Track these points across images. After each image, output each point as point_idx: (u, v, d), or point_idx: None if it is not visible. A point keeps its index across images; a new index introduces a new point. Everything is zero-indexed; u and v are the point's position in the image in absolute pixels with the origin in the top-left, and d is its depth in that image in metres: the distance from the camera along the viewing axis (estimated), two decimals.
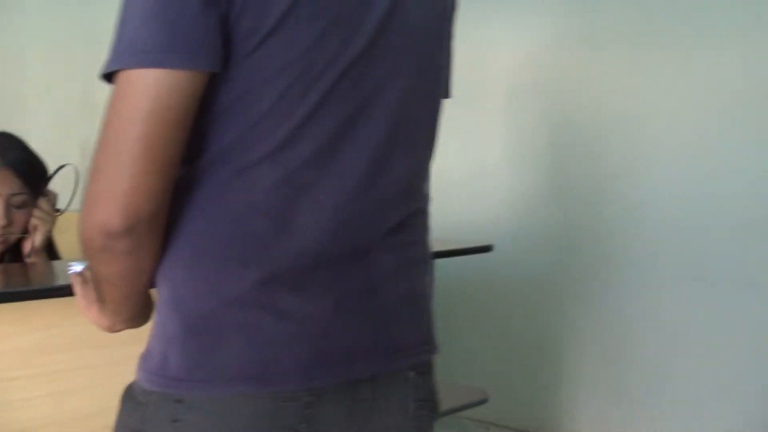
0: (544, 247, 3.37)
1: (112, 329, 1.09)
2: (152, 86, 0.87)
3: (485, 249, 2.31)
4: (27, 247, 1.97)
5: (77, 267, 1.13)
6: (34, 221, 1.97)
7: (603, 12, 3.17)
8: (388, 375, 1.05)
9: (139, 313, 1.07)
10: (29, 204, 1.97)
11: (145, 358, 1.01)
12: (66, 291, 1.14)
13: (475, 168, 3.60)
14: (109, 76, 0.90)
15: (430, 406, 1.13)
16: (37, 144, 2.10)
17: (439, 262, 2.49)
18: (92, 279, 1.04)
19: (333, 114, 0.96)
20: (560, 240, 3.35)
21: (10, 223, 1.94)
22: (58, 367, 1.53)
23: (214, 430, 0.95)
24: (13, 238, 1.97)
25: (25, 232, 1.98)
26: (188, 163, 0.96)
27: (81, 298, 1.09)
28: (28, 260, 1.97)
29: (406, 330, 1.08)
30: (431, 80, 1.11)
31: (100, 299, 1.05)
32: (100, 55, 0.94)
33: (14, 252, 2.00)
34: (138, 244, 0.93)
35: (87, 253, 0.96)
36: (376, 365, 1.03)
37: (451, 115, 3.54)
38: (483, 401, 2.55)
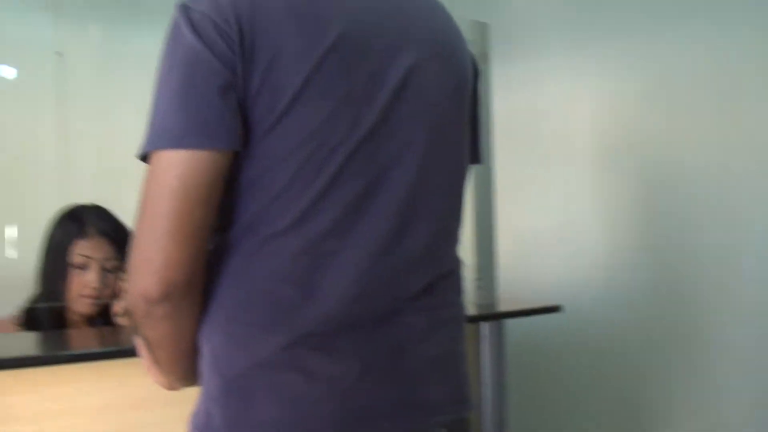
0: (634, 307, 3.29)
1: (172, 387, 1.18)
2: (177, 165, 0.96)
3: (553, 309, 2.32)
4: (117, 308, 2.10)
5: None
6: (123, 285, 2.10)
7: (689, 66, 3.13)
8: None
9: (190, 373, 1.14)
10: (120, 269, 2.12)
11: (194, 415, 1.09)
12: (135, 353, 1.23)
13: (562, 227, 3.57)
14: (145, 158, 1.00)
15: None
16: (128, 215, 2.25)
17: (522, 321, 2.55)
18: (144, 342, 1.12)
19: (350, 186, 1.02)
20: (649, 301, 3.26)
21: (103, 285, 2.09)
22: (128, 424, 1.64)
23: None
24: (104, 300, 2.11)
25: (115, 295, 2.11)
26: (221, 234, 1.04)
27: (144, 360, 1.18)
28: (118, 321, 2.10)
29: (436, 389, 1.12)
30: (450, 149, 1.16)
31: (155, 360, 1.13)
32: None
33: (105, 314, 2.13)
34: (175, 310, 1.02)
35: (135, 318, 1.05)
36: (404, 423, 1.07)
37: (538, 174, 3.57)
38: None
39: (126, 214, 2.20)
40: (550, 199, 3.54)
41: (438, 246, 1.14)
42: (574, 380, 3.48)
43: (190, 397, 1.15)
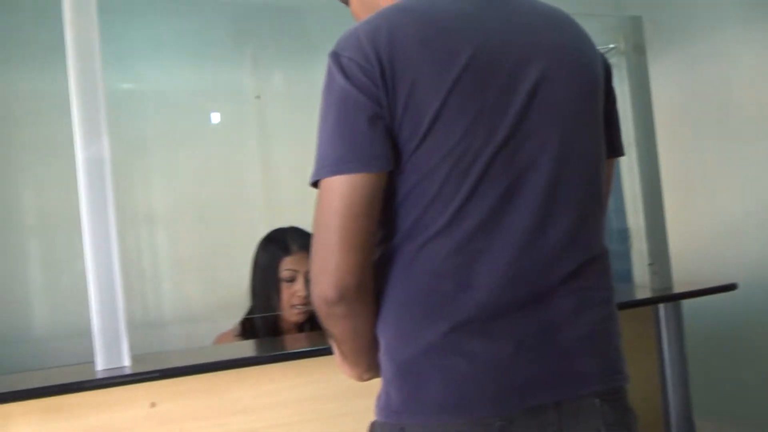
0: None
1: (361, 379, 1.38)
2: (339, 189, 1.15)
3: (729, 288, 2.35)
4: None
5: None
6: None
7: None
8: (571, 402, 1.21)
9: (374, 365, 1.33)
10: None
11: (377, 398, 1.28)
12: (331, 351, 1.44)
13: (760, 208, 3.52)
14: (316, 185, 1.21)
15: (622, 430, 1.26)
16: None
17: (708, 305, 2.58)
18: (332, 339, 1.33)
19: (492, 189, 1.18)
20: None
21: (309, 293, 2.36)
22: (328, 414, 1.88)
23: None
24: (311, 308, 2.38)
25: None
26: (384, 243, 1.23)
27: (336, 357, 1.39)
28: None
29: (588, 362, 1.24)
30: (584, 146, 1.28)
31: (343, 356, 1.34)
32: None
33: (312, 321, 2.41)
34: (350, 309, 1.21)
35: (319, 318, 1.26)
36: (556, 393, 1.20)
37: (729, 158, 3.49)
38: None
39: None
40: (737, 179, 3.50)
41: (581, 235, 1.26)
42: (758, 361, 3.42)
43: (377, 388, 1.34)
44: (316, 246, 1.20)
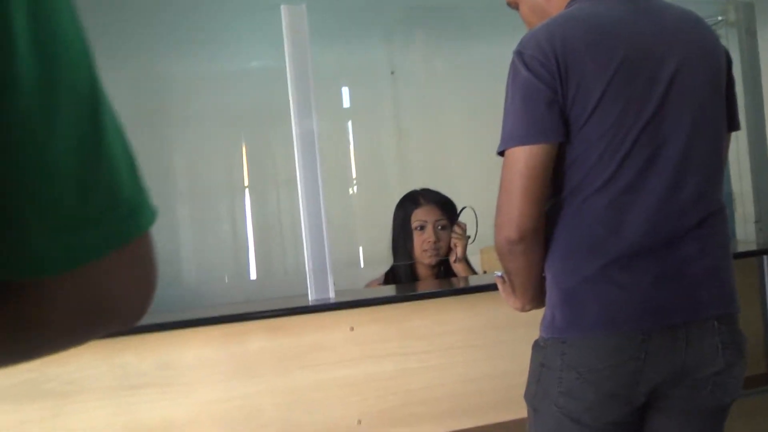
0: None
1: (524, 309, 1.70)
2: (523, 156, 1.49)
3: None
4: (452, 257, 2.75)
5: (498, 273, 1.75)
6: (453, 240, 2.76)
7: None
8: (697, 323, 1.53)
9: (537, 295, 1.65)
10: (448, 228, 2.77)
11: (543, 319, 1.61)
12: (494, 287, 1.79)
13: None
14: (501, 153, 1.55)
15: (734, 347, 1.56)
16: (463, 195, 2.91)
17: None
18: (505, 274, 1.68)
19: (638, 158, 1.51)
20: None
21: (438, 239, 2.75)
22: (490, 340, 2.27)
23: (586, 357, 1.51)
24: (443, 251, 2.77)
25: (449, 250, 2.77)
26: (554, 197, 1.56)
27: (502, 291, 1.73)
28: (455, 265, 2.75)
29: (709, 292, 1.55)
30: (710, 123, 1.59)
31: (513, 288, 1.68)
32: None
33: (447, 267, 2.80)
34: (528, 247, 1.55)
35: (500, 256, 1.60)
36: (685, 315, 1.53)
37: None
38: None
39: (451, 193, 2.85)
40: None
41: (705, 194, 1.57)
42: None
43: (532, 321, 1.65)
44: (502, 200, 1.53)
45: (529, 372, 1.62)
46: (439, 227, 2.76)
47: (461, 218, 2.82)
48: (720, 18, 3.17)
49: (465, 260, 2.79)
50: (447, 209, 2.80)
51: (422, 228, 2.77)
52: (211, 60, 3.88)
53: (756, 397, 2.45)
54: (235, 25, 3.75)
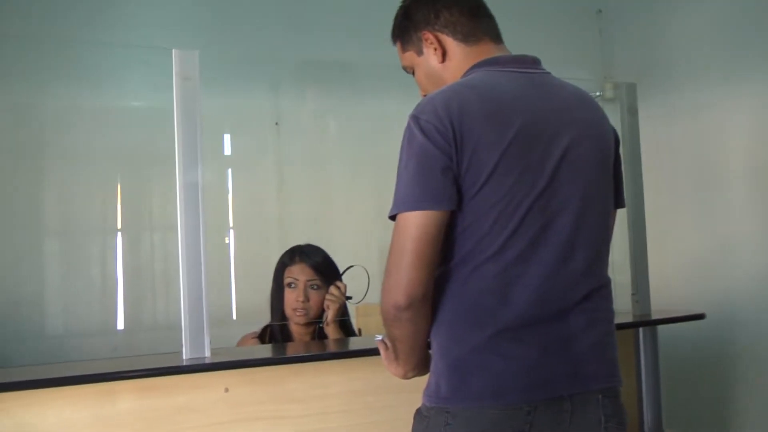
0: None
1: (406, 376, 1.68)
2: (414, 222, 1.47)
3: (698, 317, 2.76)
4: (324, 319, 2.71)
5: (378, 337, 1.71)
6: (326, 302, 2.71)
7: None
8: (581, 396, 1.55)
9: (421, 363, 1.64)
10: (323, 289, 2.73)
11: (427, 388, 1.58)
12: (374, 351, 1.74)
13: (724, 245, 3.85)
14: (393, 218, 1.52)
15: (616, 420, 1.59)
16: (344, 250, 2.88)
17: (685, 330, 2.94)
18: (390, 340, 1.64)
19: (529, 228, 1.51)
20: None
21: (307, 299, 2.71)
22: (369, 405, 2.21)
23: (470, 428, 1.49)
24: (313, 312, 2.72)
25: (322, 312, 2.72)
26: (444, 265, 1.55)
27: (384, 358, 1.69)
28: (326, 327, 2.70)
29: (595, 366, 1.57)
30: (599, 199, 1.63)
31: (396, 355, 1.65)
32: (388, 179, 1.55)
33: (321, 333, 2.75)
34: (415, 315, 1.52)
35: (386, 321, 1.56)
36: (571, 388, 1.53)
37: (695, 199, 3.88)
38: None
39: (332, 249, 2.84)
40: (708, 220, 3.87)
41: (593, 268, 1.59)
42: (719, 380, 3.77)
43: (412, 386, 1.63)
44: (391, 264, 1.51)
45: None
46: (312, 287, 2.73)
47: (347, 276, 2.78)
48: (598, 94, 3.30)
49: (345, 322, 2.76)
50: (323, 269, 2.76)
51: (293, 286, 2.73)
52: (92, 95, 3.76)
53: None
54: (120, 63, 3.64)
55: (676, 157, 4.11)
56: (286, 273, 2.74)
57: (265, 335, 2.78)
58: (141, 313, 3.72)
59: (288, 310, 2.73)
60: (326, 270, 2.77)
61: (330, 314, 2.68)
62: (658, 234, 3.84)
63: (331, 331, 2.69)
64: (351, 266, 2.81)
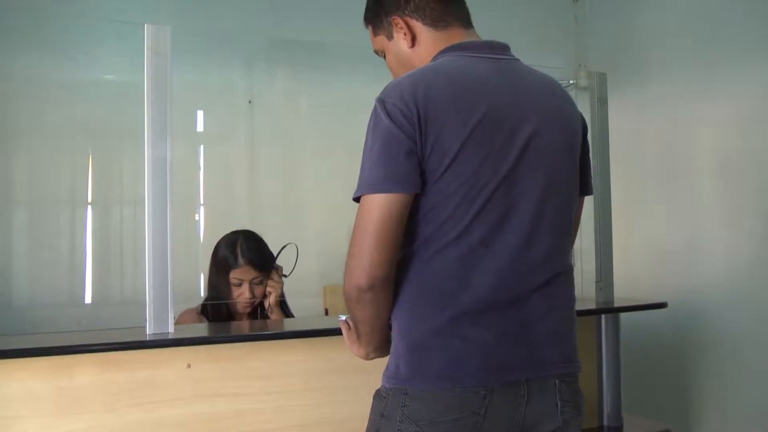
0: (761, 307, 3.55)
1: (367, 357, 1.70)
2: (378, 204, 1.48)
3: (660, 306, 2.80)
4: (266, 303, 2.82)
5: (342, 317, 1.74)
6: (268, 289, 2.83)
7: None
8: (538, 381, 1.57)
9: (382, 344, 1.66)
10: (265, 280, 2.83)
11: (386, 369, 1.60)
12: (337, 331, 1.77)
13: (690, 237, 3.90)
14: (357, 199, 1.54)
15: (572, 405, 1.62)
16: (313, 229, 2.90)
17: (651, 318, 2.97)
18: (352, 321, 1.66)
19: (492, 213, 1.53)
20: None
21: (253, 296, 2.81)
22: (330, 384, 2.24)
23: (426, 411, 1.51)
24: (257, 302, 2.83)
25: (264, 298, 2.84)
26: (406, 248, 1.56)
27: (347, 338, 1.71)
28: (270, 313, 2.82)
29: (552, 351, 1.59)
30: (563, 186, 1.64)
31: (358, 335, 1.67)
32: (358, 159, 1.54)
33: (262, 309, 2.86)
34: (377, 296, 1.54)
35: (348, 302, 1.58)
36: (527, 373, 1.56)
37: (667, 192, 3.93)
38: None
39: (302, 227, 2.85)
40: (678, 212, 3.91)
41: (554, 254, 1.61)
42: (680, 368, 3.84)
43: (374, 367, 1.64)
44: (354, 246, 1.52)
45: (369, 422, 1.60)
46: (256, 283, 2.82)
47: (283, 255, 2.87)
48: (571, 82, 3.32)
49: (283, 302, 2.88)
50: (264, 265, 2.84)
51: (239, 285, 2.81)
52: (65, 67, 3.74)
53: None
54: (93, 35, 3.62)
55: (646, 148, 4.15)
56: (232, 274, 2.81)
57: (207, 312, 2.85)
58: (109, 287, 3.72)
59: (235, 303, 2.83)
60: (266, 264, 2.85)
61: (272, 299, 2.81)
62: (625, 223, 3.91)
63: (275, 316, 2.82)
64: (284, 246, 2.88)
